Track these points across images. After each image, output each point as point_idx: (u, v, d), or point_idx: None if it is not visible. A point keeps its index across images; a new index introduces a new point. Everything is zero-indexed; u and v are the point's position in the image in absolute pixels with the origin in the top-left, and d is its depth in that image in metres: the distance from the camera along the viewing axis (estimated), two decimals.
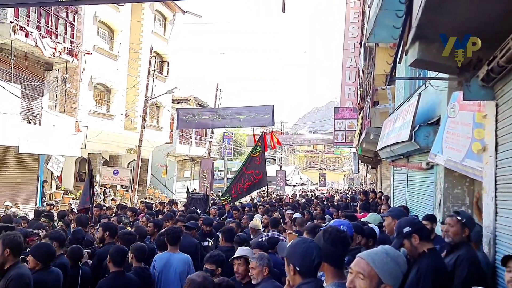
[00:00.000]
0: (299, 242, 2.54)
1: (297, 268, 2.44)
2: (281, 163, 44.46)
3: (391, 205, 9.58)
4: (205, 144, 33.21)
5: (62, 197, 18.17)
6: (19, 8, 14.07)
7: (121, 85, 21.78)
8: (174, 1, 21.15)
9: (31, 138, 14.17)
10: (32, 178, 16.54)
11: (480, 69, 3.78)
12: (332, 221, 3.69)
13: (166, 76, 26.49)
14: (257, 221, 7.30)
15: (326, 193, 34.29)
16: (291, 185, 39.33)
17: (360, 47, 17.85)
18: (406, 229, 3.33)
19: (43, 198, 16.97)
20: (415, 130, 6.21)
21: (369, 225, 5.07)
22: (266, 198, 17.72)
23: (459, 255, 3.50)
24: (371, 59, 12.88)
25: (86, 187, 9.23)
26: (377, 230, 4.72)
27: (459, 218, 3.69)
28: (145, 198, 21.02)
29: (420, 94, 6.51)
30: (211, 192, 21.55)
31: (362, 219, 5.84)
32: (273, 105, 19.12)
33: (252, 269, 3.94)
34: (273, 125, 21.53)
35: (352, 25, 21.61)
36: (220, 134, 41.61)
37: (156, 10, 25.09)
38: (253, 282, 3.94)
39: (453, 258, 3.51)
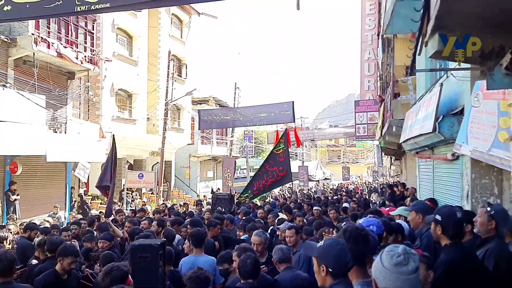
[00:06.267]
0: (332, 244, 2.50)
1: (330, 270, 2.42)
2: (303, 158, 44.29)
3: (418, 197, 9.48)
4: (226, 143, 33.38)
5: (90, 203, 18.53)
6: (40, 20, 14.42)
7: (142, 90, 22.07)
8: (190, 4, 21.25)
9: (57, 146, 14.49)
10: (60, 185, 16.93)
11: (503, 57, 3.71)
12: (361, 220, 3.66)
13: (185, 78, 26.72)
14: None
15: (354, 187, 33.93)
16: (314, 180, 39.16)
17: (378, 39, 17.66)
18: (437, 217, 3.30)
19: (72, 204, 17.34)
20: (439, 121, 6.11)
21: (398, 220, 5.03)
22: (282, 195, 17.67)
23: (488, 248, 3.46)
24: (390, 51, 12.73)
25: (107, 164, 9.00)
26: (405, 225, 4.69)
27: (488, 209, 3.65)
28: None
29: (442, 84, 6.41)
30: (235, 191, 21.65)
31: (391, 213, 5.79)
32: (293, 102, 19.12)
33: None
34: (294, 121, 21.52)
35: (368, 17, 21.40)
36: (240, 133, 41.72)
37: (172, 14, 25.31)
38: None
39: (482, 252, 3.47)
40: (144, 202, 18.51)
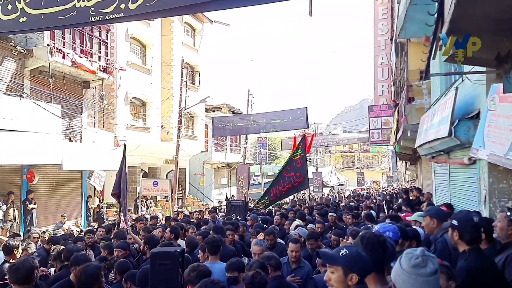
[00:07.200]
0: (359, 252, 2.44)
1: (359, 278, 2.35)
2: (317, 164, 44.10)
3: (434, 202, 9.36)
4: (240, 150, 33.41)
5: (106, 211, 18.66)
6: (55, 31, 14.66)
7: (156, 98, 22.24)
8: (202, 12, 21.41)
9: (73, 155, 14.66)
10: (76, 194, 17.12)
11: None
12: (377, 226, 3.60)
13: (198, 86, 26.89)
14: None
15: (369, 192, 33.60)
16: (329, 186, 38.94)
17: (391, 43, 17.56)
18: (454, 222, 3.24)
19: (88, 213, 17.49)
20: (455, 125, 6.04)
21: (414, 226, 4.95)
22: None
23: (509, 254, 3.39)
24: (404, 55, 12.64)
25: (120, 172, 9.38)
26: (421, 231, 4.62)
27: (508, 213, 3.59)
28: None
29: (457, 88, 6.34)
30: (250, 198, 21.58)
31: (407, 218, 5.71)
32: (306, 108, 19.09)
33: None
34: (308, 127, 21.50)
35: (381, 22, 21.30)
36: (254, 140, 41.73)
37: (185, 22, 25.52)
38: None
39: (502, 258, 3.40)
40: (143, 210, 18.48)
